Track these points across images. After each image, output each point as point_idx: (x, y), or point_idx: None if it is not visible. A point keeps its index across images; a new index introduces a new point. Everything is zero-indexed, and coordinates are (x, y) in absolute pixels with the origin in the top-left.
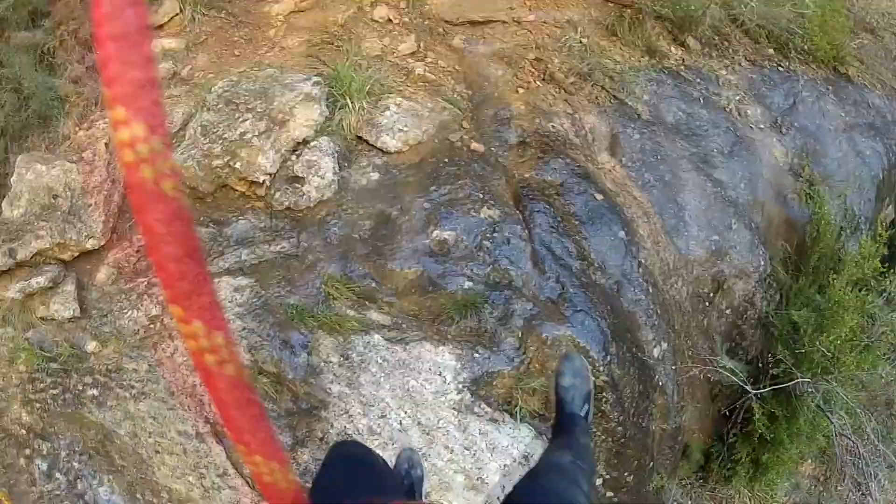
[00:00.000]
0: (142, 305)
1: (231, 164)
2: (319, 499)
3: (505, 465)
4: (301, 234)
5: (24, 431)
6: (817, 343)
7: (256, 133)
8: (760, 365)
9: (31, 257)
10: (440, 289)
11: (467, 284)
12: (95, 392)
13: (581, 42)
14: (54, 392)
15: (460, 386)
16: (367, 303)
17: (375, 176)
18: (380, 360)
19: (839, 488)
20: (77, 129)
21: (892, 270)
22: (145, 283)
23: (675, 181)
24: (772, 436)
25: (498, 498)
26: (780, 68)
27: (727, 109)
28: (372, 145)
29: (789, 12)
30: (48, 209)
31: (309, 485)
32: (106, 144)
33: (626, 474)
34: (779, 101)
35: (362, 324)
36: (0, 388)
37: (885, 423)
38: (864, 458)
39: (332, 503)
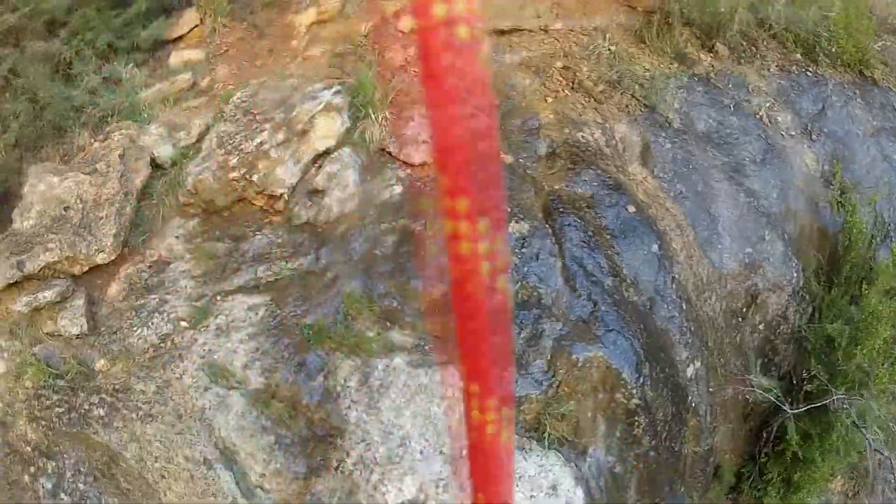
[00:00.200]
0: (152, 323)
1: (248, 176)
2: None
3: (532, 496)
4: (321, 249)
5: (29, 449)
6: (853, 357)
7: (275, 143)
8: (794, 381)
9: (40, 270)
10: None
11: None
12: (102, 412)
13: (609, 49)
14: (60, 410)
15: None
16: (388, 323)
17: (399, 189)
18: (401, 385)
19: (871, 501)
20: (92, 140)
21: None
22: (156, 299)
23: (707, 191)
24: (805, 454)
25: None
26: (808, 73)
27: (758, 116)
28: (395, 157)
29: (815, 14)
30: (59, 221)
31: None
32: (120, 156)
33: (657, 501)
34: (808, 106)
35: (383, 346)
36: (6, 404)
37: None
38: (889, 469)
39: None
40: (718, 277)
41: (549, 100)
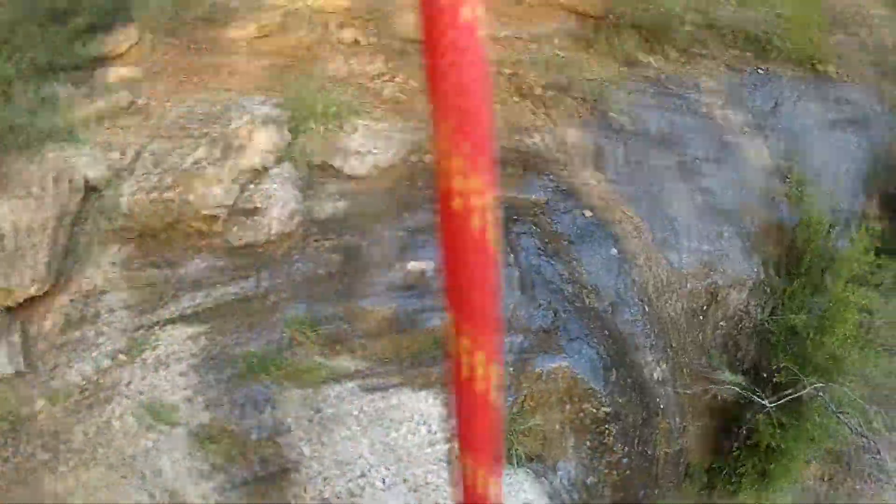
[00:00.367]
0: (91, 358)
1: (184, 196)
2: None
3: None
4: (261, 272)
5: None
6: (822, 345)
7: (211, 160)
8: (758, 375)
9: None
10: (418, 326)
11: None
12: (46, 456)
13: (558, 55)
14: (6, 454)
15: (448, 435)
16: (337, 347)
17: (342, 204)
18: (356, 412)
19: (849, 482)
20: (29, 162)
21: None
22: (93, 332)
23: (662, 192)
24: (780, 445)
25: None
26: (760, 71)
27: (710, 116)
28: (338, 171)
29: (767, 13)
30: None
31: None
32: (55, 179)
33: None
34: (761, 103)
35: (333, 372)
36: None
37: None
38: (873, 451)
39: None
40: (678, 277)
41: (498, 107)
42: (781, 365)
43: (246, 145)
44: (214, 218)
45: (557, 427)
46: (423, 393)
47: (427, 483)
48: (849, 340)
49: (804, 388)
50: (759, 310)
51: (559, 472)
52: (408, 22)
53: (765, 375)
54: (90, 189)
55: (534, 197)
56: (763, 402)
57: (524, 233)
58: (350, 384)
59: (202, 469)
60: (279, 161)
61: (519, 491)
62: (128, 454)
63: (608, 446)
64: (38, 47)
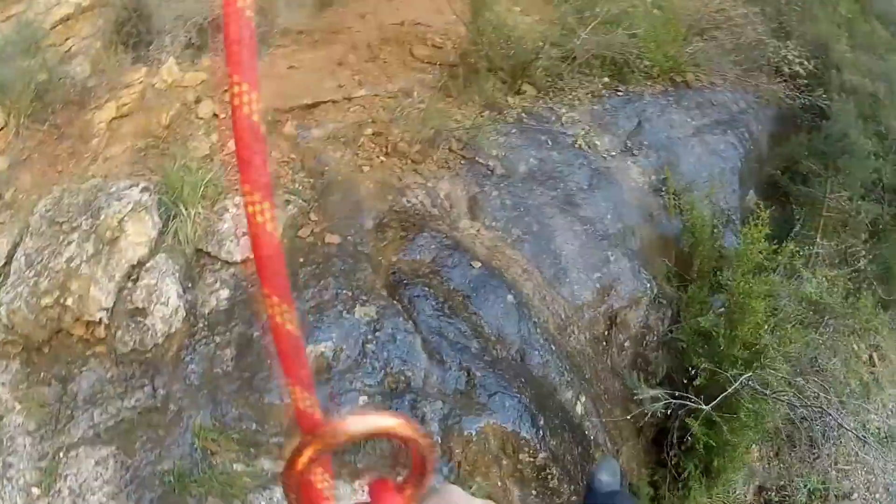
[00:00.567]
0: (4, 495)
1: (62, 300)
2: None
3: None
4: (155, 378)
5: None
6: (735, 339)
7: (85, 257)
8: (675, 382)
9: None
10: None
11: (362, 400)
12: None
13: (418, 108)
14: None
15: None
16: (252, 450)
17: (225, 293)
18: None
19: (798, 451)
20: None
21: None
22: (1, 463)
23: (543, 230)
24: (716, 441)
25: None
26: (619, 93)
27: (577, 146)
28: (215, 257)
29: (622, 35)
30: None
31: None
32: None
33: None
34: (624, 124)
35: (256, 477)
36: None
37: (818, 383)
38: (816, 416)
39: None
40: (575, 310)
41: (366, 169)
42: (699, 367)
43: (118, 237)
44: (96, 323)
45: (499, 484)
46: (357, 483)
47: None
48: (761, 327)
49: (729, 382)
50: (660, 322)
51: None
52: (266, 89)
53: (683, 381)
54: None
55: (419, 257)
56: (687, 405)
57: (418, 296)
58: (278, 489)
59: None
60: (153, 253)
61: None
62: None
63: (554, 489)
64: None
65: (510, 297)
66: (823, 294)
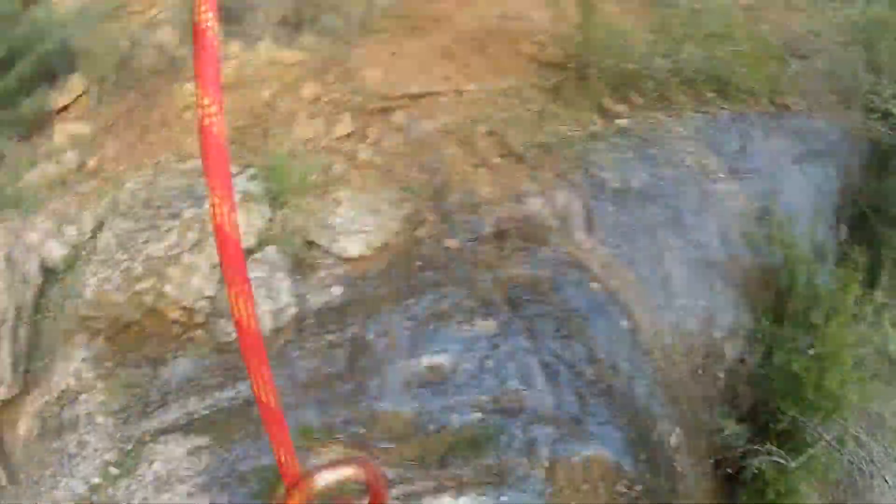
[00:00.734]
0: (77, 471)
1: (159, 287)
2: None
3: None
4: None
5: None
6: (821, 387)
7: (187, 246)
8: (757, 420)
9: None
10: (445, 426)
11: (476, 416)
12: None
13: (530, 109)
14: None
15: None
16: (355, 453)
17: (339, 290)
18: None
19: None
20: None
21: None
22: (76, 441)
23: (655, 251)
24: (785, 487)
25: None
26: (724, 110)
27: (686, 164)
28: (327, 252)
29: (726, 51)
30: None
31: None
32: (6, 259)
33: None
34: (730, 144)
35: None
36: None
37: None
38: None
39: None
40: (681, 338)
41: (482, 170)
42: (781, 409)
43: None
44: (195, 311)
45: None
46: (462, 498)
47: None
48: (847, 380)
49: (806, 430)
50: (752, 357)
51: None
52: (371, 76)
53: (765, 420)
54: (48, 271)
55: (539, 272)
56: (766, 449)
57: (540, 315)
58: None
59: None
60: (262, 244)
61: None
62: None
63: None
64: None
65: (625, 323)
66: None
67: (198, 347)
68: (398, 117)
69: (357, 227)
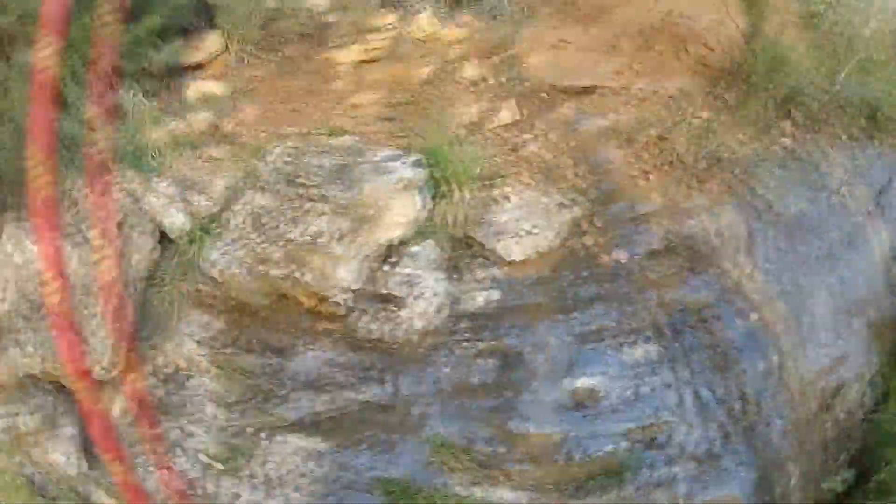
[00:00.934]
0: (175, 462)
1: (296, 274)
2: None
3: None
4: (399, 376)
5: None
6: None
7: (337, 235)
8: (863, 467)
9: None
10: (588, 452)
11: (623, 445)
12: None
13: (700, 117)
14: None
15: None
16: (491, 473)
17: (496, 295)
18: None
19: None
20: (87, 190)
21: None
22: (178, 429)
23: (805, 283)
24: None
25: None
26: (874, 141)
27: (840, 193)
28: (489, 251)
29: (881, 80)
30: (39, 311)
31: None
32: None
33: None
34: (878, 178)
35: None
36: None
37: None
38: None
39: None
40: (815, 376)
41: (651, 178)
42: (883, 457)
43: (379, 216)
44: (335, 304)
45: None
46: None
47: None
48: None
49: None
50: (870, 401)
51: None
52: (537, 63)
53: (868, 466)
54: (166, 242)
55: (702, 296)
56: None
57: (697, 346)
58: None
59: None
60: (417, 236)
61: None
62: None
63: None
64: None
65: (775, 358)
66: None
67: (334, 342)
68: (566, 110)
69: (523, 228)
